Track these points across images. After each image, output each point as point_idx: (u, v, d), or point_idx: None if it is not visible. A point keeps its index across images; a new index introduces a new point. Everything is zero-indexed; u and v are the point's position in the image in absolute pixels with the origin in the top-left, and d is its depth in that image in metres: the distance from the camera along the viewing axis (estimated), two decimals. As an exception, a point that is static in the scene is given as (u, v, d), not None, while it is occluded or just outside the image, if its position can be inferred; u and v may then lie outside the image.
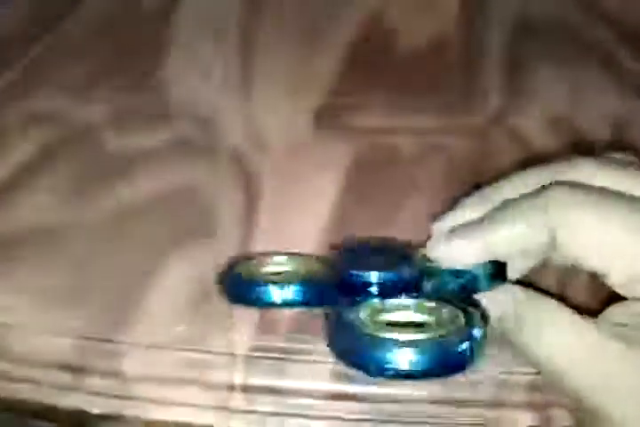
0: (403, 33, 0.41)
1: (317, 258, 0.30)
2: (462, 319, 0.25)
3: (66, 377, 0.30)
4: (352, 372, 0.28)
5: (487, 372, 0.29)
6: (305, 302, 0.28)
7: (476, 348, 0.25)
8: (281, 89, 0.38)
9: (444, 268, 0.27)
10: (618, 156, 0.28)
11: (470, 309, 0.26)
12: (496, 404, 0.28)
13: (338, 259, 0.29)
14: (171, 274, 0.31)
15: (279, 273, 0.29)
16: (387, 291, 0.27)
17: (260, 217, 0.33)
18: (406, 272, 0.27)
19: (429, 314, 0.26)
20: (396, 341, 0.24)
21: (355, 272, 0.27)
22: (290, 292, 0.27)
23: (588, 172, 0.26)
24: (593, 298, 0.29)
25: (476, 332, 0.25)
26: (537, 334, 0.25)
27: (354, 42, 0.40)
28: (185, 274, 0.31)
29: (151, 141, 0.36)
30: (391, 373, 0.24)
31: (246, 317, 0.30)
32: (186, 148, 0.36)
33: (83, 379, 0.30)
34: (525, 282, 0.28)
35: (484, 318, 0.26)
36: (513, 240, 0.26)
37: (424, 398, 0.29)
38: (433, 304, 0.26)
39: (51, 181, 0.35)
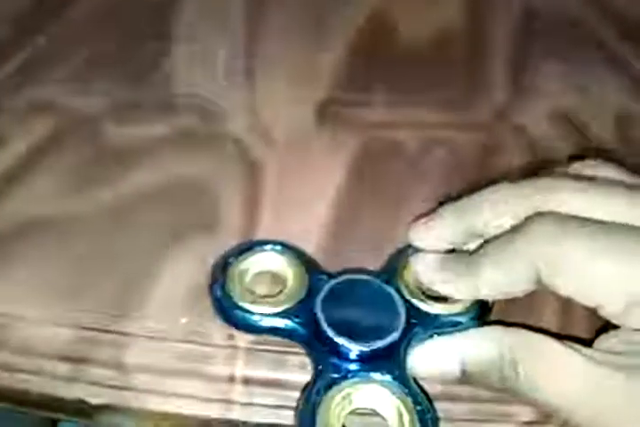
0: (406, 27, 0.41)
1: (307, 261, 0.30)
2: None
3: (67, 368, 0.30)
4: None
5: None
6: (285, 335, 0.28)
7: None
8: (285, 82, 0.38)
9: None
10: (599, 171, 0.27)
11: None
12: (495, 399, 0.28)
13: (323, 295, 0.28)
14: (172, 266, 0.31)
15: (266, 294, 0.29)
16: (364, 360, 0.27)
17: (262, 210, 0.33)
18: (386, 341, 0.27)
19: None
20: None
21: (335, 340, 0.27)
22: (271, 322, 0.28)
23: (569, 200, 0.25)
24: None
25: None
26: (534, 379, 0.25)
27: (357, 36, 0.40)
28: (187, 266, 0.31)
29: (153, 133, 0.36)
30: None
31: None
32: (189, 139, 0.36)
33: (84, 370, 0.30)
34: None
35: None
36: (497, 286, 0.26)
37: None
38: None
39: (51, 173, 0.34)
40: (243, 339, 0.29)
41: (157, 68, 0.38)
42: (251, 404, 0.29)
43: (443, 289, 0.28)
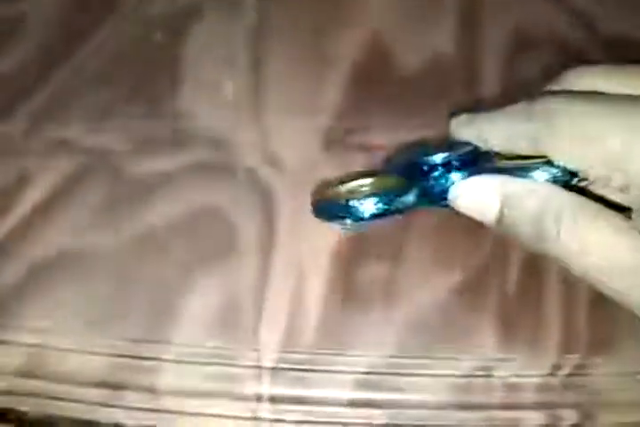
0: (402, 54, 0.42)
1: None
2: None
3: (102, 393, 0.32)
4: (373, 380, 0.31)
5: (498, 376, 0.31)
6: (390, 212, 0.29)
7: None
8: (290, 112, 0.40)
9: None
10: None
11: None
12: (507, 406, 0.30)
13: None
14: (198, 292, 0.33)
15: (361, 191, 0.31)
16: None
17: (278, 234, 0.35)
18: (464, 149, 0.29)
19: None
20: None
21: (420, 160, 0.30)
22: (373, 205, 0.29)
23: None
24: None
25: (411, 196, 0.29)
26: (573, 239, 0.25)
27: (355, 64, 0.42)
28: (212, 291, 0.33)
29: (170, 166, 0.38)
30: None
31: (271, 330, 0.32)
32: (203, 171, 0.38)
33: (119, 395, 0.32)
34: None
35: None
36: (500, 135, 0.28)
37: (441, 404, 0.31)
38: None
39: (76, 208, 0.36)
40: (267, 359, 0.31)
41: (170, 104, 0.40)
42: (278, 420, 0.31)
43: (455, 134, 0.30)
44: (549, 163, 0.27)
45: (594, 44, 0.43)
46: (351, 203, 0.29)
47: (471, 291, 0.33)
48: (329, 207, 0.31)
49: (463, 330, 0.32)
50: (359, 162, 0.37)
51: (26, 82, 0.42)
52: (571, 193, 0.26)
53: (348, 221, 0.30)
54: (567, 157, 0.26)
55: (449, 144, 0.30)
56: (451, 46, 0.43)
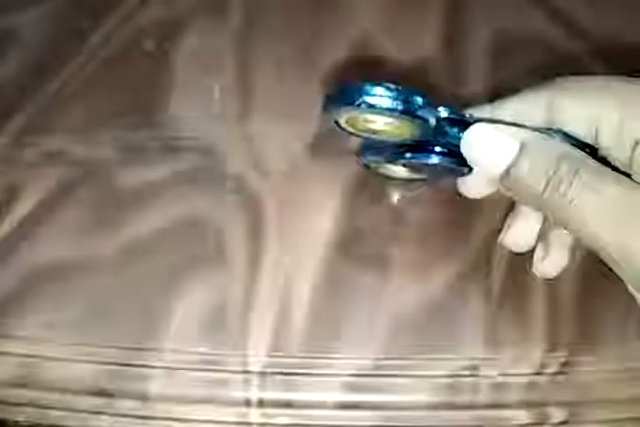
0: (389, 58, 0.43)
1: None
2: None
3: (95, 401, 0.32)
4: (361, 382, 0.31)
5: (485, 375, 0.31)
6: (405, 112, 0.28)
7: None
8: (277, 117, 0.40)
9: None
10: None
11: None
12: (494, 405, 0.30)
13: None
14: (187, 299, 0.34)
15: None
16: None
17: (266, 240, 0.36)
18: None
19: None
20: None
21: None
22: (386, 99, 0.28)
23: None
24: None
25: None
26: (597, 181, 0.25)
27: (343, 69, 0.43)
28: (200, 298, 0.34)
29: (158, 174, 0.38)
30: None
31: (259, 335, 0.32)
32: (192, 178, 0.38)
33: (110, 402, 0.32)
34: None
35: None
36: (515, 111, 0.28)
37: (428, 404, 0.31)
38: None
39: (67, 219, 0.37)
40: (256, 364, 0.32)
41: (158, 113, 0.41)
42: (267, 424, 0.31)
43: (473, 112, 0.29)
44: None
45: (578, 44, 0.43)
46: (368, 88, 0.28)
47: (456, 292, 0.33)
48: (346, 91, 0.29)
49: (449, 331, 0.32)
50: (347, 167, 0.37)
51: (16, 94, 0.42)
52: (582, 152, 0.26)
53: (361, 107, 0.28)
54: (576, 127, 0.26)
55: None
56: (437, 47, 0.43)
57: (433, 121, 0.28)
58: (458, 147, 0.28)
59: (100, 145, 0.39)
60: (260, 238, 0.36)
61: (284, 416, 0.31)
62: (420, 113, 0.28)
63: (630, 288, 0.26)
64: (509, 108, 0.29)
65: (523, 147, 0.26)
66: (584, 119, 0.27)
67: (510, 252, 0.32)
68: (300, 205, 0.37)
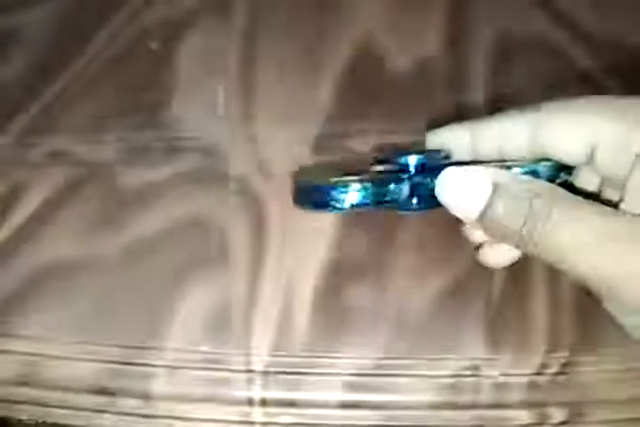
0: (391, 59, 0.43)
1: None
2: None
3: (97, 400, 0.32)
4: (363, 382, 0.31)
5: (486, 375, 0.31)
6: (370, 204, 0.28)
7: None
8: (281, 119, 0.40)
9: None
10: None
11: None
12: (495, 405, 0.30)
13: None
14: (190, 298, 0.34)
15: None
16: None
17: (269, 240, 0.36)
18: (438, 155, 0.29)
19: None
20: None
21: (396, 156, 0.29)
22: (356, 195, 0.28)
23: None
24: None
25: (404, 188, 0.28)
26: (573, 218, 0.24)
27: (346, 70, 0.43)
28: (203, 298, 0.34)
29: (162, 175, 0.38)
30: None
31: (262, 335, 0.33)
32: (195, 179, 0.38)
33: (113, 401, 0.32)
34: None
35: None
36: (495, 143, 0.28)
37: (430, 404, 0.31)
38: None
39: (71, 218, 0.37)
40: (258, 363, 0.32)
41: (162, 114, 0.41)
42: (270, 423, 0.31)
43: (444, 145, 0.29)
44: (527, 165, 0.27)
45: (580, 47, 0.43)
46: (334, 191, 0.27)
47: (458, 292, 0.33)
48: (309, 193, 0.29)
49: (451, 331, 0.32)
50: (350, 169, 0.38)
51: (20, 93, 0.43)
52: (558, 187, 0.26)
53: (329, 210, 0.28)
54: (567, 144, 0.26)
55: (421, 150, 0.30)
56: (440, 50, 0.44)
57: (406, 189, 0.28)
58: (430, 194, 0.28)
59: (104, 145, 0.40)
60: (263, 239, 0.36)
61: (286, 415, 0.31)
62: (388, 198, 0.28)
63: (618, 319, 0.26)
64: (492, 128, 0.29)
65: (495, 188, 0.26)
66: (577, 138, 0.26)
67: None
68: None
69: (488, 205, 0.26)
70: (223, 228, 0.36)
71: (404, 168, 0.29)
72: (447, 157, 0.29)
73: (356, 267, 0.35)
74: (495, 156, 0.29)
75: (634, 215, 0.24)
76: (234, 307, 0.33)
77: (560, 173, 0.28)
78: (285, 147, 0.39)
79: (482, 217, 0.26)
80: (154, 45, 0.45)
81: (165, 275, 0.35)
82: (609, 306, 0.26)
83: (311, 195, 0.29)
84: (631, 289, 0.23)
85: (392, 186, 0.28)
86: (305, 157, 0.39)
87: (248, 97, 0.41)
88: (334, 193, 0.28)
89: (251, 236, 0.36)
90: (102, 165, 0.39)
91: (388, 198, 0.28)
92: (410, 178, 0.28)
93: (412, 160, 0.29)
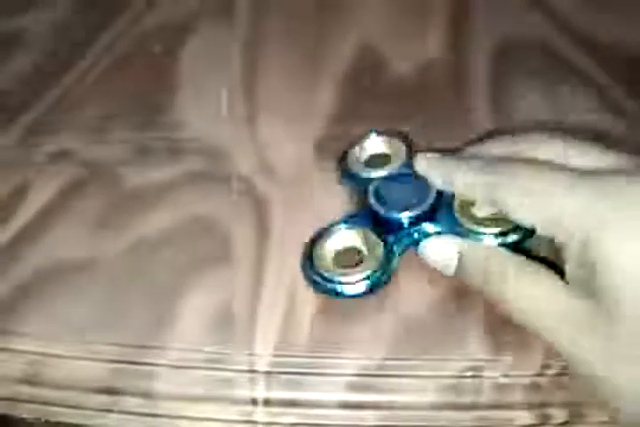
0: (394, 61, 0.43)
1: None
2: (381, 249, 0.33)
3: (101, 399, 0.32)
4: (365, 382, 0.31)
5: (487, 376, 0.32)
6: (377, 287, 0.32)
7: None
8: (284, 121, 0.41)
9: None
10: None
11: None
12: (496, 406, 0.31)
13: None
14: (193, 298, 0.34)
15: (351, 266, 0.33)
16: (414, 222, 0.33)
17: (272, 241, 0.36)
18: (427, 204, 0.33)
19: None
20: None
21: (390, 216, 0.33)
22: (359, 287, 0.32)
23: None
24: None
25: (395, 263, 0.33)
26: (517, 291, 0.30)
27: (348, 72, 0.43)
28: (206, 298, 0.34)
29: (166, 176, 0.39)
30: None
31: (265, 335, 0.33)
32: (199, 180, 0.38)
33: (117, 400, 0.32)
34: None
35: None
36: (469, 180, 0.32)
37: (432, 405, 0.31)
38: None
39: (75, 218, 0.37)
40: (262, 363, 0.32)
41: (166, 115, 0.41)
42: (273, 423, 0.31)
43: (423, 173, 0.34)
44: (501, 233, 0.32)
45: (580, 52, 0.43)
46: (340, 286, 0.32)
47: (460, 293, 0.33)
48: (318, 281, 0.33)
49: (453, 332, 0.33)
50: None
51: (25, 94, 0.43)
52: (515, 254, 0.31)
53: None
54: (517, 213, 0.30)
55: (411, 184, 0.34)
56: (441, 53, 0.44)
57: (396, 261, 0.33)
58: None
59: (108, 146, 0.40)
60: (266, 239, 0.36)
61: (289, 415, 0.31)
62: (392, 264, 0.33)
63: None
64: (462, 173, 0.32)
65: (460, 261, 0.32)
66: (526, 218, 0.30)
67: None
68: (306, 207, 0.37)
69: (458, 271, 0.32)
70: (226, 228, 0.37)
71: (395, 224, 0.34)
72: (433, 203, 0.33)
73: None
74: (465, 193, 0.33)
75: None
76: (237, 307, 0.34)
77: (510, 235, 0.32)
78: (288, 148, 0.39)
79: (457, 275, 0.32)
80: (157, 48, 0.45)
81: (169, 275, 0.35)
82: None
83: (318, 285, 0.33)
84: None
85: (387, 272, 0.33)
86: (308, 158, 0.39)
87: (251, 99, 0.42)
88: (339, 288, 0.32)
89: (254, 236, 0.36)
90: (106, 165, 0.39)
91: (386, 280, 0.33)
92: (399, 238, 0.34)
93: (405, 218, 0.33)
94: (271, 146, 0.40)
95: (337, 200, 0.37)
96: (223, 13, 0.47)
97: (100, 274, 0.35)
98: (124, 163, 0.39)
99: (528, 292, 0.29)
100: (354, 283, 0.32)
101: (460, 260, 0.32)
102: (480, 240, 0.32)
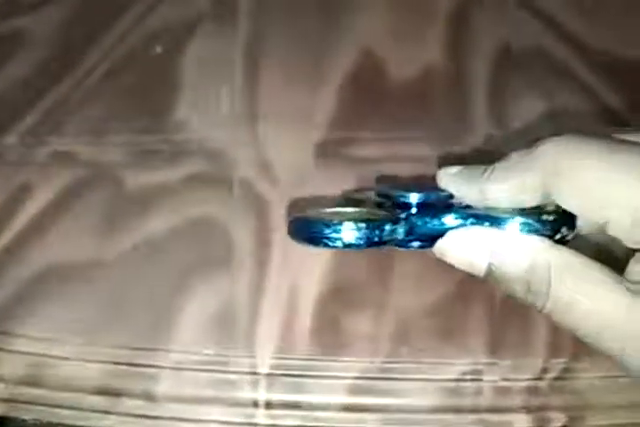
0: (394, 67, 0.43)
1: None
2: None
3: (101, 401, 0.32)
4: (366, 385, 0.32)
5: (487, 380, 0.32)
6: (369, 243, 0.27)
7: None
8: (284, 124, 0.41)
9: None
10: None
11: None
12: (496, 409, 0.31)
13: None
14: (195, 301, 0.34)
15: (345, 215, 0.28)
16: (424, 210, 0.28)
17: (273, 243, 0.36)
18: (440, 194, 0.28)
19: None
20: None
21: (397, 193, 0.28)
22: (349, 235, 0.27)
23: None
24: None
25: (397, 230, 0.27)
26: (566, 294, 0.24)
27: (349, 77, 0.43)
28: (208, 300, 0.34)
29: (167, 178, 0.39)
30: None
31: (267, 337, 0.33)
32: (199, 182, 0.39)
33: (117, 402, 0.32)
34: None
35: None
36: (503, 193, 0.26)
37: (432, 408, 0.31)
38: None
39: (76, 220, 0.37)
40: (263, 366, 0.32)
41: (167, 117, 0.41)
42: (274, 426, 0.32)
43: (454, 191, 0.28)
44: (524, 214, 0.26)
45: (580, 60, 0.44)
46: (328, 229, 0.27)
47: (460, 297, 0.33)
48: (302, 227, 0.28)
49: (453, 335, 0.33)
50: (352, 174, 0.38)
51: (26, 96, 0.43)
52: (558, 247, 0.25)
53: (322, 246, 0.27)
54: (579, 200, 0.25)
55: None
56: (441, 59, 0.44)
57: (402, 231, 0.27)
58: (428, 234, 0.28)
59: (109, 147, 0.40)
60: (268, 241, 0.36)
61: (290, 418, 0.31)
62: (384, 239, 0.27)
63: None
64: (501, 183, 0.26)
65: (492, 259, 0.26)
66: (592, 211, 0.25)
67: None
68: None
69: (488, 271, 0.26)
70: (228, 230, 0.37)
71: (404, 206, 0.28)
72: (451, 196, 0.28)
73: (361, 270, 0.35)
74: (506, 204, 0.27)
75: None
76: (238, 309, 0.34)
77: (562, 228, 0.26)
78: (289, 151, 0.40)
79: (487, 278, 0.26)
80: (159, 49, 0.45)
81: (170, 277, 0.35)
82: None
83: (304, 230, 0.28)
84: None
85: (387, 227, 0.27)
86: (307, 161, 0.39)
87: (252, 101, 0.42)
88: (327, 231, 0.27)
89: (255, 238, 0.36)
90: (107, 166, 0.39)
91: (383, 240, 0.27)
92: (407, 218, 0.28)
93: (414, 198, 0.28)
94: (272, 148, 0.40)
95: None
96: (226, 15, 0.47)
97: (101, 276, 0.35)
98: (125, 164, 0.39)
99: (577, 296, 0.24)
100: (340, 229, 0.26)
101: (493, 257, 0.26)
102: (513, 226, 0.26)
